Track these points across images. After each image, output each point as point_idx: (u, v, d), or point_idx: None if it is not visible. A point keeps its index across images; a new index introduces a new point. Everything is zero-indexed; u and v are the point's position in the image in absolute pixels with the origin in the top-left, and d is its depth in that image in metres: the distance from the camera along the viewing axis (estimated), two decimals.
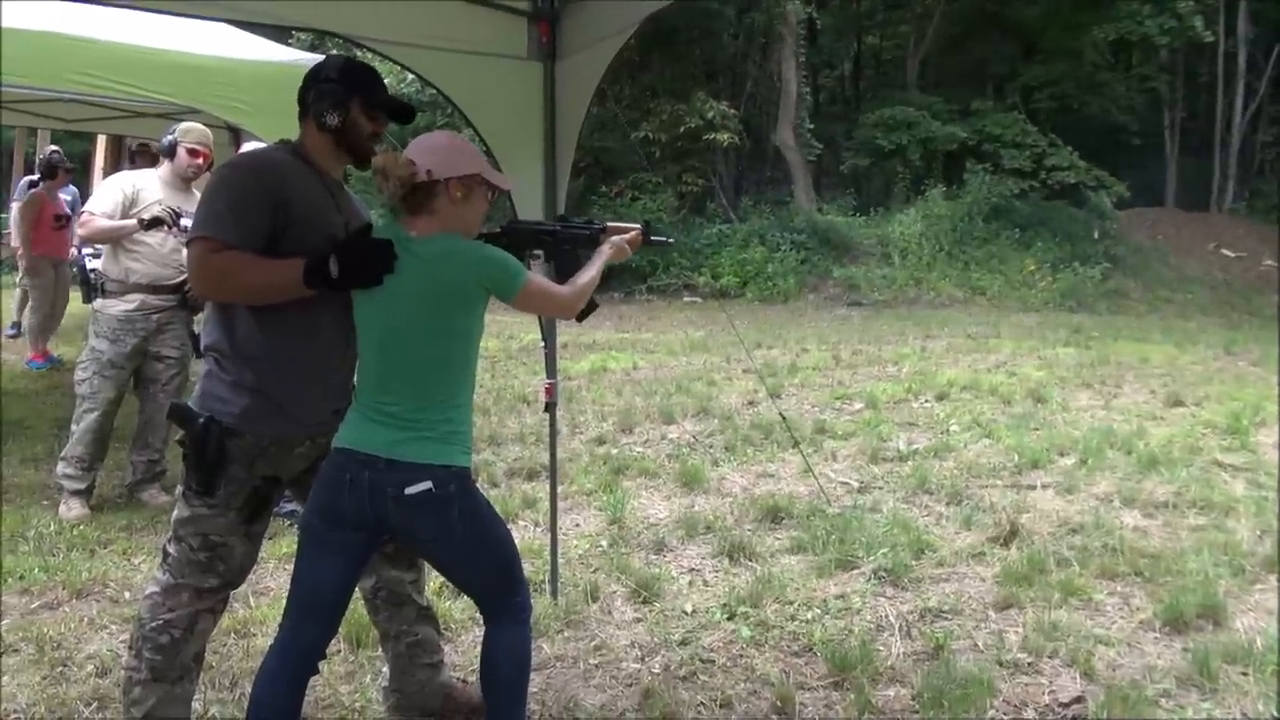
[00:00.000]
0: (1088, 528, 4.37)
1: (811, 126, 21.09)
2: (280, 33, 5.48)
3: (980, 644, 3.25)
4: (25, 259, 8.05)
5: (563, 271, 2.50)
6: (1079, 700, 2.87)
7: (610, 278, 16.38)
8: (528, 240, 2.62)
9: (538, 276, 2.25)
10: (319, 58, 2.47)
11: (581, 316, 2.40)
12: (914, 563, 3.95)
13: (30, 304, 8.19)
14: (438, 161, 2.08)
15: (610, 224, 2.61)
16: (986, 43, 23.20)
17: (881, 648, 3.20)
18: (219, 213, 2.13)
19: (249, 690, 2.19)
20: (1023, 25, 22.44)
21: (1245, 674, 3.00)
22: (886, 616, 3.44)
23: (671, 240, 3.00)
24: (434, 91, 3.48)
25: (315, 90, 2.27)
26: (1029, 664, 3.10)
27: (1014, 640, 3.26)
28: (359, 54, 4.80)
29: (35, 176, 8.70)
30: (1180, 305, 16.70)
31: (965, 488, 5.02)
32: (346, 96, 2.26)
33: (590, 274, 2.35)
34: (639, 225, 2.61)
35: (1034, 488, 5.06)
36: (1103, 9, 20.15)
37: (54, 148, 8.98)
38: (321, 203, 2.26)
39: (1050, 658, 3.13)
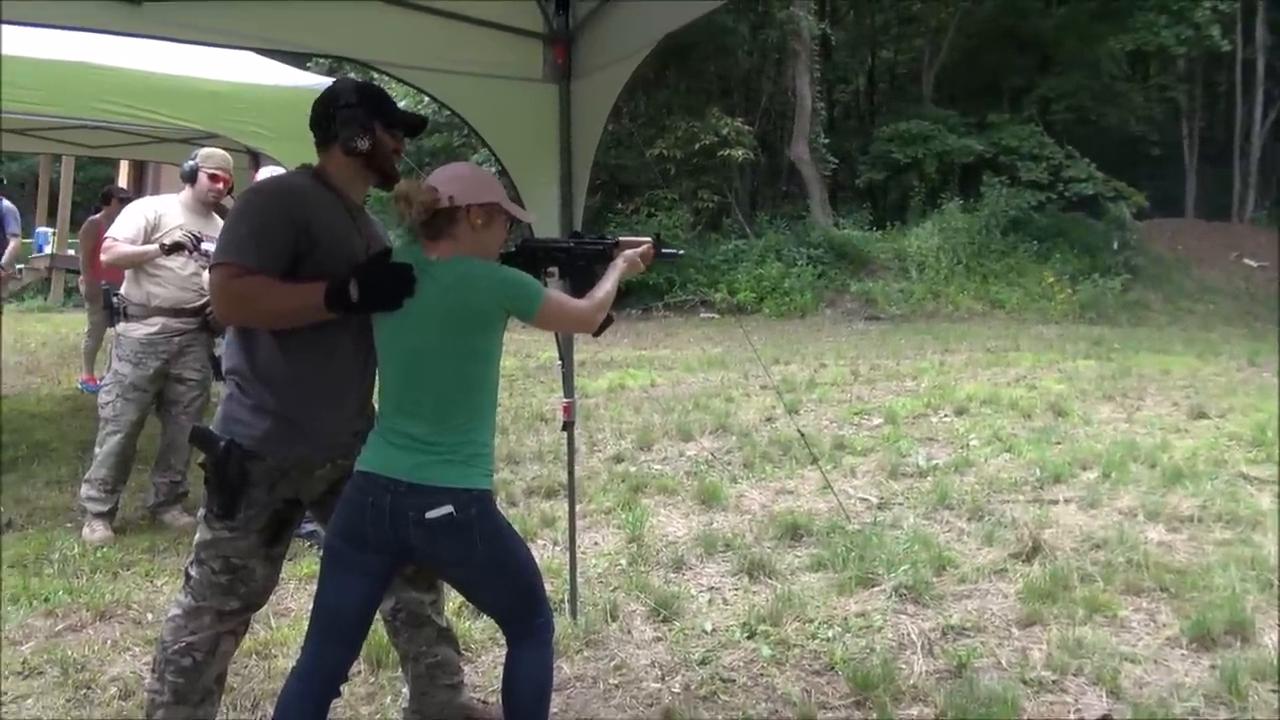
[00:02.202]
0: (1111, 543, 4.32)
1: (826, 141, 21.11)
2: (299, 58, 5.55)
3: (1004, 662, 3.21)
4: (86, 284, 8.21)
5: (578, 287, 2.52)
6: (1105, 719, 2.83)
7: (627, 294, 16.48)
8: (542, 258, 2.64)
9: (556, 293, 2.27)
10: (335, 81, 2.50)
11: (598, 331, 2.42)
12: (935, 580, 3.92)
13: (87, 328, 8.34)
14: (460, 189, 2.11)
15: (622, 238, 2.63)
16: (1001, 55, 23.16)
17: (903, 666, 3.17)
18: (242, 238, 2.16)
19: (271, 712, 2.20)
20: (1038, 37, 22.42)
21: (1275, 691, 2.96)
22: (908, 634, 3.41)
23: (681, 252, 3.01)
24: (450, 112, 3.51)
25: (340, 117, 2.28)
26: (1054, 682, 3.06)
27: (1038, 658, 3.22)
28: (375, 78, 4.86)
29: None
30: (1202, 316, 16.54)
31: (986, 503, 4.99)
32: (369, 119, 2.29)
33: (606, 288, 2.37)
34: (650, 239, 2.63)
35: (1056, 502, 5.02)
36: (1119, 20, 20.10)
37: None
38: (343, 227, 2.29)
39: (1075, 675, 3.10)
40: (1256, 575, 3.90)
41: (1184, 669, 3.16)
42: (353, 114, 2.28)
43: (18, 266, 15.99)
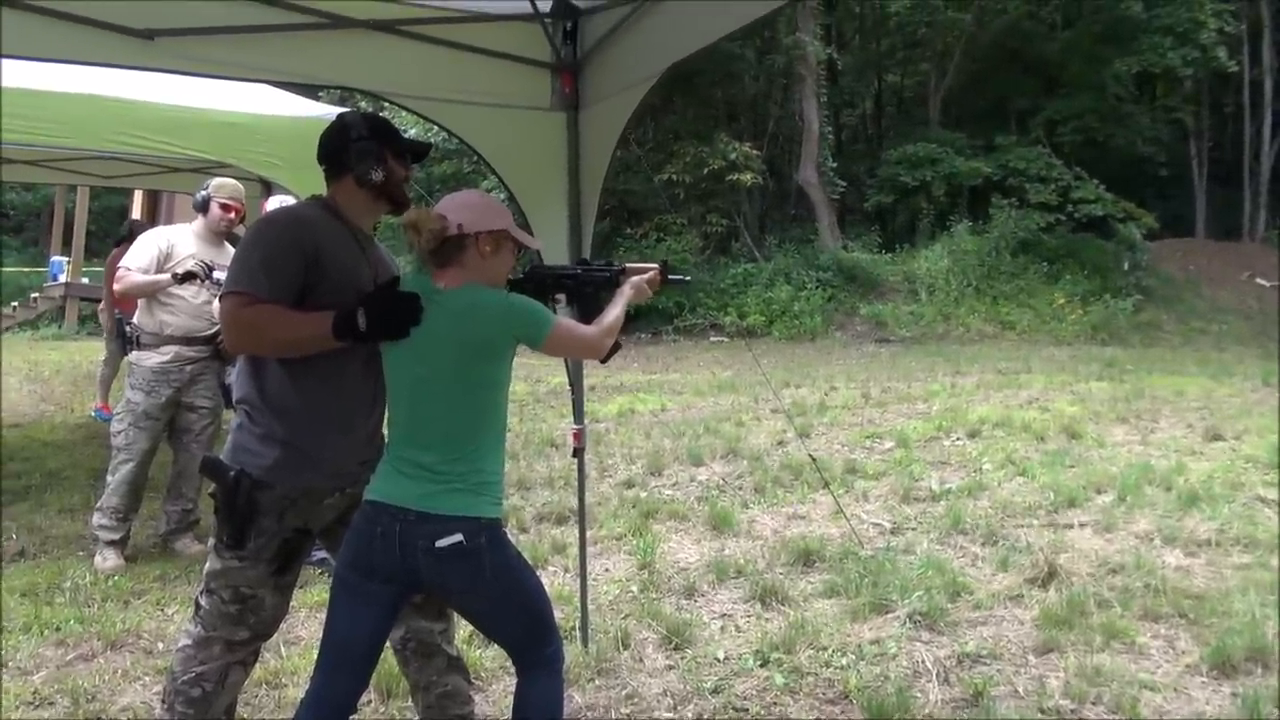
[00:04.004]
0: (1128, 567, 4.27)
1: (834, 165, 21.19)
2: (311, 89, 5.61)
3: (1021, 690, 3.17)
4: (105, 315, 8.24)
5: (585, 314, 2.53)
6: None
7: (637, 319, 16.52)
8: (550, 284, 2.65)
9: (564, 320, 2.27)
10: (342, 113, 2.53)
11: (606, 357, 2.42)
12: (950, 606, 3.88)
13: (103, 356, 8.37)
14: (469, 217, 2.12)
15: (629, 265, 2.63)
16: (1008, 78, 23.25)
17: (919, 694, 3.13)
18: (253, 268, 2.18)
19: None
20: (1043, 60, 22.51)
21: None
22: (923, 662, 3.37)
23: (689, 279, 3.01)
24: (459, 141, 3.54)
25: (354, 150, 2.31)
26: (1072, 711, 3.02)
27: (1055, 686, 3.18)
28: (385, 108, 4.90)
29: None
30: (1215, 336, 16.46)
31: (1000, 527, 4.94)
32: (381, 150, 2.32)
33: (614, 314, 2.37)
34: (657, 265, 2.63)
35: (1071, 527, 4.97)
36: (1124, 42, 20.16)
37: None
38: (351, 256, 2.30)
39: (1094, 704, 3.05)
40: (1276, 600, 3.84)
41: (1205, 697, 3.11)
42: (367, 147, 2.31)
43: (32, 295, 16.16)
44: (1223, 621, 3.65)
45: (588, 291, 2.61)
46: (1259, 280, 19.35)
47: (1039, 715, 2.98)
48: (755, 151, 19.26)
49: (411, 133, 11.50)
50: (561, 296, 2.67)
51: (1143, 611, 3.78)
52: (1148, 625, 3.68)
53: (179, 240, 4.49)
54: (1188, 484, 5.67)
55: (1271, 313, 17.75)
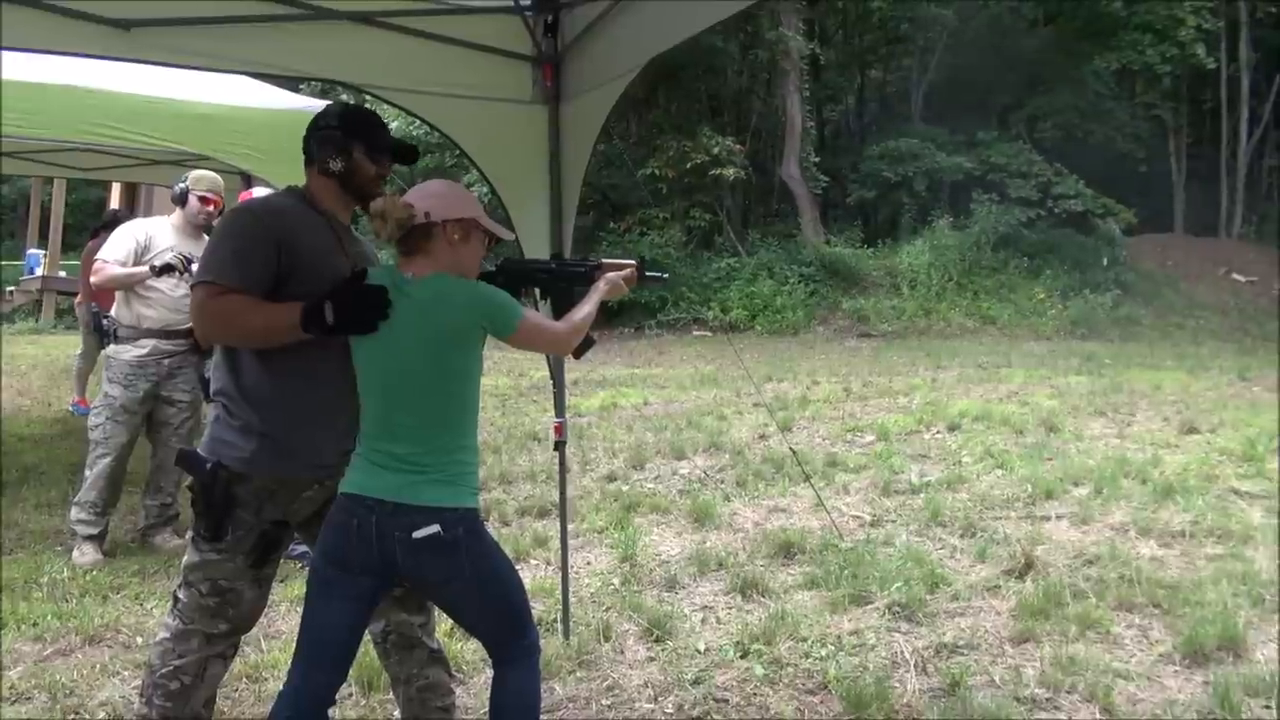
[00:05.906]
0: (1104, 558, 4.33)
1: (817, 160, 21.22)
2: (291, 81, 5.58)
3: (997, 679, 3.21)
4: (82, 308, 8.13)
5: (559, 309, 2.53)
6: None
7: (620, 313, 16.53)
8: (523, 278, 2.65)
9: (533, 314, 2.27)
10: (329, 104, 2.53)
11: (578, 353, 2.42)
12: (928, 597, 3.91)
13: (80, 350, 8.26)
14: (436, 204, 2.11)
15: (605, 261, 2.63)
16: (989, 74, 23.36)
17: (897, 685, 3.17)
18: (223, 258, 2.17)
19: None
20: (1025, 56, 22.63)
21: (1268, 707, 2.96)
22: (901, 652, 3.41)
23: (666, 276, 3.00)
24: (440, 134, 3.54)
25: (317, 137, 2.32)
26: (1047, 699, 3.06)
27: (1031, 675, 3.22)
28: (367, 100, 4.88)
29: None
30: (1192, 331, 16.63)
31: (979, 520, 4.99)
32: (347, 141, 2.31)
33: (585, 310, 2.37)
34: (634, 262, 2.63)
35: (1048, 519, 5.02)
36: (1104, 38, 20.32)
37: None
38: (326, 246, 2.29)
39: (1069, 693, 3.09)
40: (1248, 590, 3.91)
41: (1177, 685, 3.16)
42: (330, 136, 2.31)
43: (9, 289, 15.98)
44: (1195, 611, 3.70)
45: (561, 286, 2.61)
46: (1235, 276, 19.57)
47: (1015, 704, 3.01)
48: (738, 146, 19.26)
49: (394, 125, 11.43)
50: (536, 290, 2.68)
51: (1117, 602, 3.83)
52: (1122, 615, 3.73)
53: (157, 233, 4.46)
54: (1163, 477, 5.74)
55: (1247, 308, 17.97)
